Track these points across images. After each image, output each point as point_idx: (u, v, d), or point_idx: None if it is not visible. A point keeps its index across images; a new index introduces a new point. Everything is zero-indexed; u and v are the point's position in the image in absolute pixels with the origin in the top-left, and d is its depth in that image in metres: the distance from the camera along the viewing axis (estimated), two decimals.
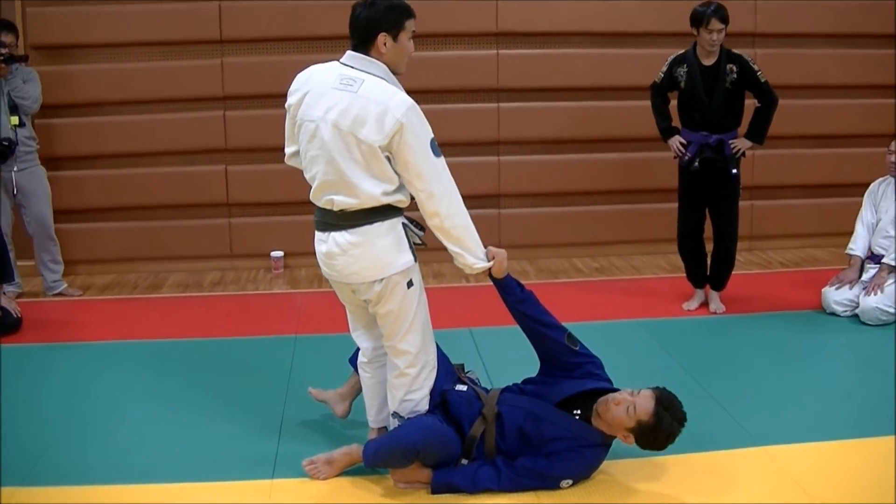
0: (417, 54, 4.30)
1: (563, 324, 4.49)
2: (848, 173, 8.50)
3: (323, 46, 8.01)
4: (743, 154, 6.64)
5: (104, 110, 8.20)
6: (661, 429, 4.12)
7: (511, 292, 4.41)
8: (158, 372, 5.79)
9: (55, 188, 7.70)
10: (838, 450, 4.62)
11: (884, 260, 6.64)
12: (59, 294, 7.63)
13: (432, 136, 4.05)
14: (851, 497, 4.17)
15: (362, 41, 4.10)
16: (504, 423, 4.28)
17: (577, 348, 4.44)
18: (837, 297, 6.72)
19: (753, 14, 8.40)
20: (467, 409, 4.36)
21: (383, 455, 4.21)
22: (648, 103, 6.88)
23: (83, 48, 8.11)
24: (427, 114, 4.07)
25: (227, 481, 4.34)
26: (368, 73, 4.07)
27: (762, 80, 6.49)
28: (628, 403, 4.11)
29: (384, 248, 4.11)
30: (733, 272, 6.95)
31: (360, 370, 4.61)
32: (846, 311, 6.68)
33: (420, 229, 4.27)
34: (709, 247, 6.94)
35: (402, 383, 4.35)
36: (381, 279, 4.14)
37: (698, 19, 6.39)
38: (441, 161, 4.06)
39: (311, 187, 4.20)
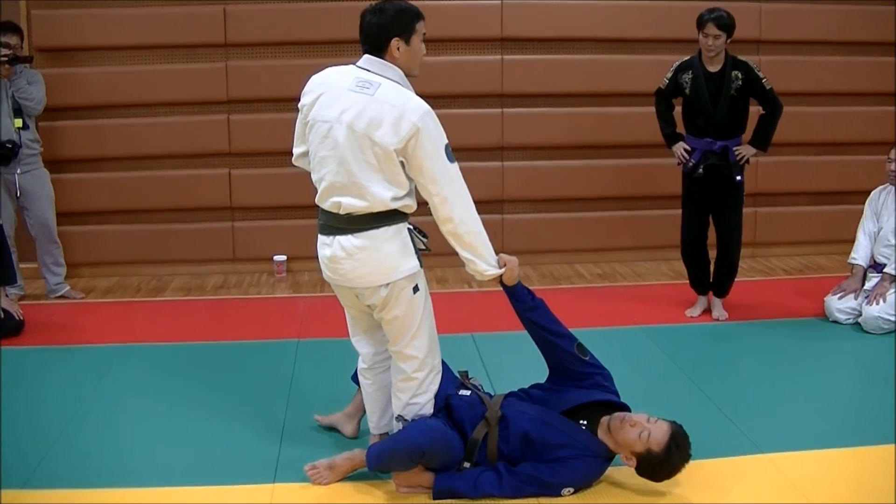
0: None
1: (569, 330, 4.49)
2: (852, 181, 8.49)
3: (327, 50, 8.03)
4: (747, 161, 6.63)
5: (108, 113, 8.20)
6: (668, 464, 4.14)
7: (521, 300, 4.41)
8: (160, 375, 5.78)
9: (59, 191, 7.70)
10: (841, 458, 4.62)
11: (885, 270, 6.63)
12: (62, 297, 7.63)
13: (447, 141, 4.06)
14: None
15: (375, 47, 4.11)
16: (509, 427, 4.28)
17: (587, 358, 4.44)
18: (840, 305, 6.72)
19: (758, 21, 8.40)
20: (470, 412, 4.35)
21: (387, 457, 4.21)
22: (653, 109, 6.88)
23: (87, 51, 8.11)
24: None
25: (229, 485, 4.33)
26: (385, 77, 4.08)
27: (767, 87, 6.48)
28: (643, 429, 4.12)
29: (390, 253, 4.11)
30: (736, 279, 6.94)
31: (360, 377, 4.60)
32: (849, 319, 6.67)
33: (424, 236, 4.26)
34: (712, 254, 6.93)
35: (408, 387, 4.34)
36: (387, 284, 4.13)
37: (698, 23, 6.40)
38: (455, 167, 4.07)
39: (315, 190, 4.19)
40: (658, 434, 4.11)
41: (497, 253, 4.29)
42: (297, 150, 4.39)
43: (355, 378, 4.69)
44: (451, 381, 4.54)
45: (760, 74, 6.47)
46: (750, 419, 5.04)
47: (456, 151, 4.07)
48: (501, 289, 4.41)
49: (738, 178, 6.59)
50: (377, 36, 4.09)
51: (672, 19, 8.25)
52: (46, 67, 7.86)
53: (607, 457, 4.27)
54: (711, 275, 6.96)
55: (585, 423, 4.29)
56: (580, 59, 8.44)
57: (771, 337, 6.48)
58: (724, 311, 6.91)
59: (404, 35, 4.09)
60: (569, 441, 4.21)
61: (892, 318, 6.44)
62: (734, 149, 6.56)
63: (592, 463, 4.23)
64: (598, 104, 8.53)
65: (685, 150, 6.65)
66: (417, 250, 4.21)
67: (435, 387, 4.41)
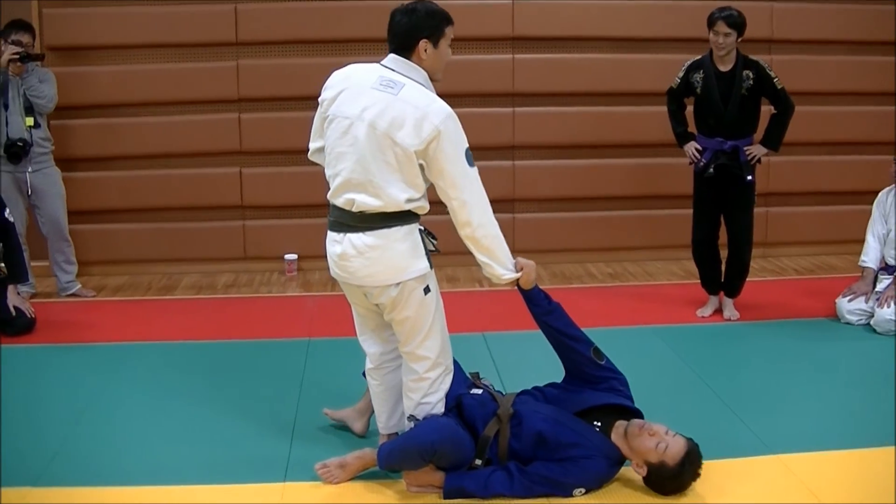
0: None
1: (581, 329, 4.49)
2: (864, 181, 8.44)
3: (338, 49, 8.04)
4: (758, 160, 6.62)
5: (119, 112, 8.21)
6: (678, 480, 4.15)
7: (538, 303, 4.41)
8: (171, 374, 5.79)
9: (70, 189, 7.72)
10: (853, 459, 4.60)
11: None
12: (73, 295, 7.64)
13: (467, 145, 4.05)
14: None
15: (402, 47, 4.10)
16: (522, 425, 4.27)
17: (603, 363, 4.44)
18: (851, 307, 6.70)
19: (770, 20, 8.38)
20: (481, 410, 4.35)
21: (398, 455, 4.20)
22: (664, 108, 6.87)
23: (99, 49, 8.13)
24: None
25: (239, 484, 4.33)
26: (409, 77, 4.07)
27: (779, 87, 6.46)
28: (661, 440, 4.11)
29: (401, 253, 4.10)
30: (747, 279, 6.93)
31: (367, 377, 4.59)
32: (860, 320, 6.66)
33: (433, 238, 4.26)
34: (723, 253, 6.92)
35: (419, 387, 4.34)
36: (397, 284, 4.12)
37: (709, 22, 6.39)
38: (474, 171, 4.07)
39: (328, 186, 4.19)
40: (675, 448, 4.11)
41: (516, 257, 4.29)
42: (313, 145, 4.38)
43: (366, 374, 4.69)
44: (462, 380, 4.53)
45: (772, 74, 6.46)
46: (761, 419, 5.02)
47: None
48: (518, 291, 4.41)
49: (749, 177, 6.57)
50: (406, 35, 4.08)
51: (683, 18, 8.23)
52: (58, 66, 7.87)
53: (619, 460, 4.27)
54: (722, 275, 6.94)
55: (599, 424, 4.29)
56: (591, 59, 8.43)
57: (782, 337, 6.46)
58: (735, 310, 6.89)
59: (433, 37, 4.09)
60: (581, 441, 4.20)
61: None
62: (745, 148, 6.55)
63: (604, 464, 4.22)
64: (609, 103, 8.52)
65: (696, 149, 6.64)
66: (428, 251, 4.20)
67: (446, 386, 4.40)
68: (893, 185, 6.81)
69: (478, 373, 4.66)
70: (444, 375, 4.39)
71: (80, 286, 7.71)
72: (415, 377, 4.33)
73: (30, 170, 7.25)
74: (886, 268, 6.76)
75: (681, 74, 6.67)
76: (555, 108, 8.50)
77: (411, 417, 4.38)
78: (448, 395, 4.40)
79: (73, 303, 7.52)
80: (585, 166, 8.59)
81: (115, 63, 8.15)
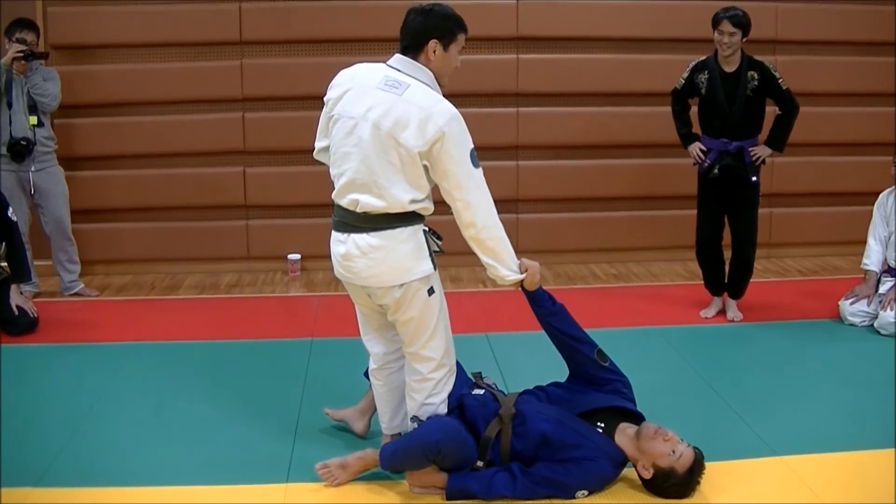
0: None
1: (585, 330, 4.48)
2: (868, 182, 8.41)
3: (343, 49, 8.04)
4: (763, 161, 6.60)
5: (123, 111, 8.20)
6: (683, 487, 4.17)
7: (542, 305, 4.41)
8: (174, 374, 5.79)
9: (74, 188, 7.72)
10: (856, 461, 4.59)
11: None
12: (76, 294, 7.64)
13: (472, 146, 4.04)
14: None
15: (412, 45, 4.10)
16: (525, 425, 4.27)
17: (607, 364, 4.45)
18: (854, 308, 6.69)
19: (775, 21, 8.37)
20: (483, 410, 4.35)
21: (401, 455, 4.20)
22: (668, 109, 6.86)
23: (103, 48, 8.12)
24: None
25: (241, 484, 4.33)
26: (415, 78, 4.06)
27: (784, 88, 6.45)
28: (675, 446, 4.13)
29: (405, 254, 4.09)
30: (751, 280, 6.91)
31: (371, 377, 4.59)
32: (863, 321, 6.65)
33: (438, 238, 4.25)
34: (727, 254, 6.91)
35: (423, 388, 4.33)
36: (401, 285, 4.11)
37: (713, 22, 6.38)
38: (479, 172, 4.06)
39: (332, 186, 4.18)
40: (686, 456, 4.13)
41: (520, 258, 4.29)
42: (319, 144, 4.37)
43: (367, 374, 4.68)
44: (464, 381, 4.53)
45: (777, 74, 6.44)
46: (764, 421, 5.02)
47: None
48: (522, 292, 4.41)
49: (754, 178, 6.56)
50: (417, 33, 4.08)
51: (688, 19, 8.22)
52: (62, 64, 7.86)
53: (622, 462, 4.27)
54: (726, 276, 6.93)
55: (602, 426, 4.29)
56: (595, 59, 8.42)
57: (785, 339, 6.46)
58: (738, 312, 6.89)
59: (444, 39, 4.09)
60: (585, 442, 4.20)
61: None
62: (750, 149, 6.53)
63: (607, 466, 4.21)
64: (614, 104, 8.51)
65: (701, 150, 6.62)
66: (432, 252, 4.19)
67: (449, 387, 4.40)
68: (894, 187, 6.80)
69: (480, 373, 4.66)
70: (448, 376, 4.39)
71: (83, 285, 7.71)
72: (419, 378, 4.32)
73: (33, 169, 7.25)
74: (889, 270, 6.75)
75: (685, 75, 6.66)
76: (559, 109, 8.49)
77: (414, 418, 4.37)
78: (450, 396, 4.40)
79: (76, 302, 7.51)
80: (589, 167, 8.58)
81: (119, 62, 8.15)
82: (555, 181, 8.58)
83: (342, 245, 4.18)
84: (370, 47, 7.82)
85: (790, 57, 8.35)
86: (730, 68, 6.45)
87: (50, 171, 7.40)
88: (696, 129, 6.77)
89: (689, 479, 4.14)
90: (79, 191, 7.91)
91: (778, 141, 6.63)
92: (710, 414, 5.14)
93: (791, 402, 5.34)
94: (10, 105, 7.11)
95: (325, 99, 4.24)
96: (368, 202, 4.03)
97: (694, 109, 6.80)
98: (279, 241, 8.44)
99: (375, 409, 4.69)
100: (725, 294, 6.96)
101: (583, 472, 4.16)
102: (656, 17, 8.37)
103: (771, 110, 6.63)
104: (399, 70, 4.11)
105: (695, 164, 6.73)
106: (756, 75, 6.41)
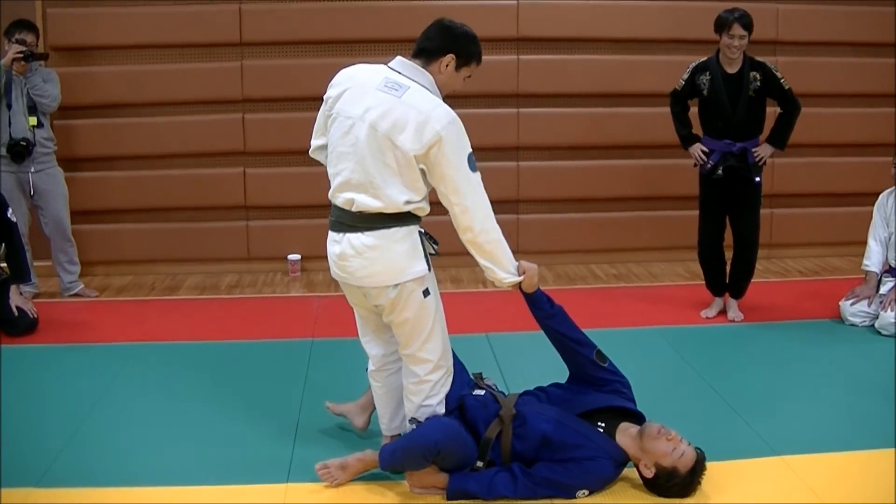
0: None
1: (583, 330, 4.48)
2: (869, 182, 8.40)
3: (342, 50, 8.05)
4: (764, 161, 6.60)
5: (123, 112, 8.21)
6: (685, 487, 4.17)
7: (541, 307, 4.40)
8: (174, 374, 5.79)
9: (74, 189, 7.72)
10: (857, 460, 4.58)
11: None
12: (76, 295, 7.64)
13: (470, 150, 4.03)
14: None
15: (429, 51, 4.11)
16: (526, 426, 4.26)
17: (606, 365, 4.44)
18: (854, 309, 6.69)
19: (775, 22, 8.37)
20: (483, 411, 4.35)
21: (401, 455, 4.20)
22: (668, 110, 6.85)
23: (103, 49, 8.13)
24: None
25: (241, 485, 4.33)
26: (415, 81, 4.06)
27: (786, 87, 6.45)
28: (678, 445, 4.13)
29: (400, 254, 4.08)
30: (752, 281, 6.91)
31: (370, 379, 4.58)
32: (864, 321, 6.65)
33: (435, 242, 4.25)
34: (728, 254, 6.90)
35: (421, 390, 4.32)
36: (396, 285, 4.10)
37: (721, 25, 6.35)
38: (477, 176, 4.05)
39: (330, 185, 4.18)
40: (689, 456, 4.13)
41: (519, 260, 4.28)
42: (315, 143, 4.36)
43: None
44: (465, 381, 4.52)
45: (778, 74, 6.44)
46: (765, 421, 5.01)
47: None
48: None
49: (757, 179, 6.56)
50: (439, 42, 4.11)
51: (688, 20, 8.23)
52: (61, 66, 7.87)
53: (623, 461, 4.26)
54: (727, 276, 6.93)
55: (603, 425, 4.29)
56: (596, 60, 8.42)
57: (786, 339, 6.45)
58: (739, 312, 6.88)
59: (460, 59, 4.12)
60: (586, 442, 4.20)
61: None
62: (753, 150, 6.53)
63: (607, 465, 4.21)
64: (614, 104, 8.52)
65: (703, 151, 6.61)
66: (427, 254, 4.18)
67: (447, 388, 4.39)
68: (894, 188, 6.80)
69: (481, 373, 4.65)
70: (446, 378, 4.38)
71: (82, 286, 7.71)
72: (416, 380, 4.32)
73: (33, 170, 7.25)
74: (890, 270, 6.75)
75: (686, 76, 6.65)
76: (559, 110, 8.49)
77: (413, 420, 4.36)
78: (450, 396, 4.39)
79: (76, 303, 7.51)
80: (590, 167, 8.58)
81: (119, 63, 8.15)
82: (555, 182, 8.58)
83: (337, 245, 4.17)
84: (370, 48, 7.83)
85: (791, 58, 8.35)
86: (732, 69, 6.44)
87: (49, 172, 7.40)
88: (696, 130, 6.75)
89: (690, 478, 4.14)
90: (78, 192, 7.90)
91: (780, 140, 6.62)
92: (711, 414, 5.14)
93: (792, 402, 5.34)
94: (9, 106, 7.11)
95: (324, 97, 4.24)
96: (364, 202, 4.03)
97: (693, 111, 6.78)
98: (279, 241, 8.44)
99: (376, 407, 4.69)
100: (727, 294, 6.96)
101: (584, 472, 4.16)
102: (656, 18, 8.37)
103: (771, 111, 6.63)
104: (400, 72, 4.10)
105: (695, 165, 6.72)
106: (758, 76, 6.40)
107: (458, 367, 4.52)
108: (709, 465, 4.20)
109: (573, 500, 4.16)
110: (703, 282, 7.05)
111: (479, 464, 4.26)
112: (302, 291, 7.92)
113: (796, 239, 8.86)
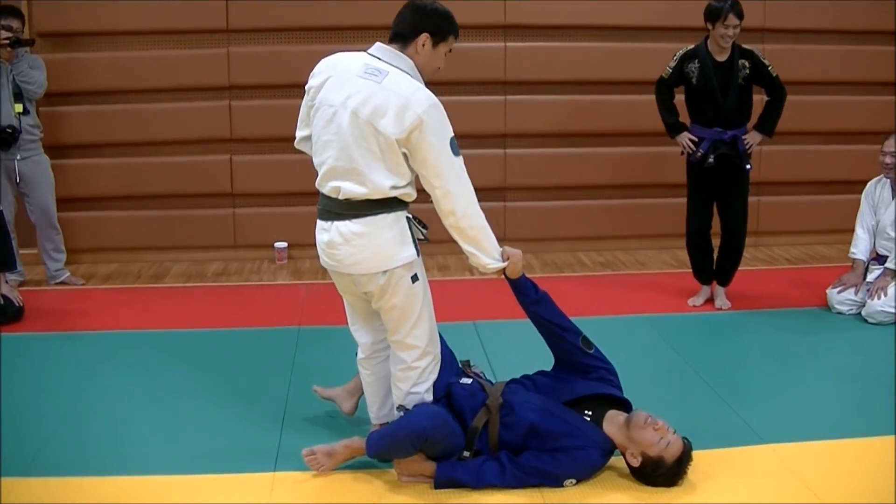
0: None
1: (570, 319, 4.48)
2: (856, 170, 8.41)
3: (329, 37, 8.02)
4: (752, 148, 6.61)
5: (110, 99, 8.17)
6: (671, 477, 4.17)
7: (525, 293, 4.40)
8: (160, 362, 5.77)
9: (60, 176, 7.69)
10: (844, 448, 4.60)
11: (886, 265, 6.61)
12: (62, 283, 7.62)
13: (452, 134, 4.03)
14: (859, 497, 4.15)
15: (403, 35, 4.11)
16: (512, 415, 4.26)
17: (592, 352, 4.44)
18: (841, 297, 6.70)
19: (762, 10, 8.36)
20: (470, 400, 4.34)
21: (389, 442, 4.20)
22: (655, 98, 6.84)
23: (89, 36, 8.09)
24: None
25: (229, 473, 4.32)
26: (394, 66, 4.05)
27: (773, 75, 6.46)
28: (665, 435, 4.13)
29: (388, 240, 4.08)
30: (739, 268, 6.92)
31: (359, 367, 4.58)
32: (851, 309, 6.66)
33: (424, 227, 4.24)
34: (715, 242, 6.91)
35: (408, 377, 4.32)
36: (385, 272, 4.10)
37: (715, 14, 6.31)
38: (459, 160, 4.04)
39: (317, 175, 4.17)
40: (675, 445, 4.14)
41: (499, 243, 4.27)
42: (300, 134, 4.36)
43: None
44: (453, 369, 4.52)
45: (766, 62, 6.44)
46: (753, 409, 5.02)
47: (458, 139, 4.04)
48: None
49: (748, 166, 6.56)
50: (412, 23, 4.10)
51: (675, 7, 8.22)
52: (48, 52, 7.84)
53: (610, 450, 4.27)
54: (715, 263, 6.93)
55: (590, 413, 4.29)
56: (583, 47, 8.41)
57: (774, 326, 6.47)
58: (726, 300, 6.89)
59: (435, 36, 4.10)
60: (573, 431, 4.20)
61: (894, 312, 6.42)
62: (743, 137, 6.52)
63: (595, 454, 4.21)
64: (601, 92, 8.51)
65: (691, 140, 6.60)
66: (415, 240, 4.18)
67: (434, 375, 4.39)
68: (881, 176, 6.81)
69: (468, 361, 4.65)
70: (433, 364, 4.38)
71: (69, 274, 7.69)
72: (403, 367, 4.32)
73: (19, 157, 7.21)
74: (877, 258, 6.76)
75: (673, 64, 6.62)
76: (546, 97, 8.48)
77: (400, 407, 4.36)
78: (438, 384, 4.39)
79: (62, 291, 7.49)
80: (577, 155, 8.58)
81: (105, 50, 8.11)
82: (542, 169, 8.58)
83: (326, 233, 4.17)
84: (357, 35, 7.79)
85: (778, 45, 8.35)
86: (721, 57, 6.43)
87: (36, 160, 7.37)
88: (683, 118, 6.74)
89: (677, 468, 4.14)
90: (65, 179, 7.87)
91: (768, 127, 6.63)
92: (698, 402, 5.15)
93: (778, 390, 5.35)
94: None
95: (306, 87, 4.23)
96: (350, 189, 4.02)
97: (679, 98, 6.77)
98: (266, 229, 8.43)
99: (363, 392, 4.69)
100: (714, 282, 6.96)
101: (572, 461, 4.16)
102: (643, 5, 8.36)
103: (758, 98, 6.63)
104: (379, 58, 4.10)
105: (682, 153, 6.72)
106: (747, 64, 6.40)
107: (448, 354, 4.52)
108: (696, 453, 4.20)
109: (560, 489, 4.16)
110: (691, 270, 7.05)
111: (466, 453, 4.26)
112: (289, 279, 7.91)
113: (783, 227, 8.87)
